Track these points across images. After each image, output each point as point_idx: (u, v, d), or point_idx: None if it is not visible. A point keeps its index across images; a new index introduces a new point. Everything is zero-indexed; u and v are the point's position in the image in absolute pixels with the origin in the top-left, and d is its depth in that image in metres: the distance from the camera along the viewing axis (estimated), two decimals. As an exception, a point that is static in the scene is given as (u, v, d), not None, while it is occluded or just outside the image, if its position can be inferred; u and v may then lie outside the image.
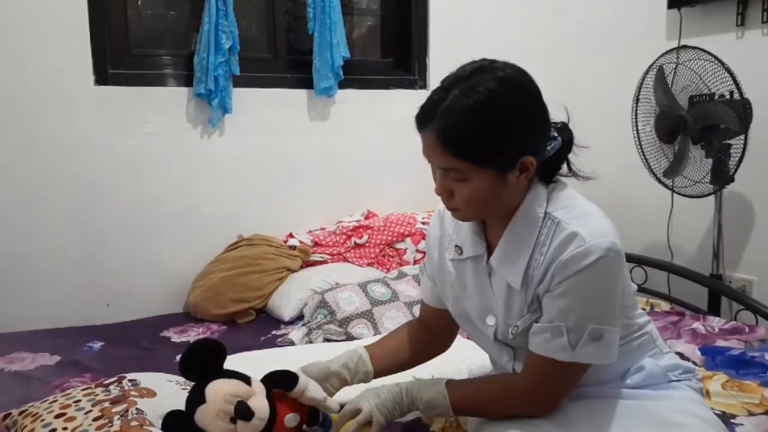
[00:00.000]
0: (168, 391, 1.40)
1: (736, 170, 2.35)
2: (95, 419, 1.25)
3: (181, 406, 1.16)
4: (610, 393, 1.23)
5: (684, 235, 2.92)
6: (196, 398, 1.14)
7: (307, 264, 2.64)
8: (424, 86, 3.03)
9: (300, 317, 2.33)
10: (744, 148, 2.30)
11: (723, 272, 2.60)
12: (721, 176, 2.38)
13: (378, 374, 1.37)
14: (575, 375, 1.17)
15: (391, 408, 1.22)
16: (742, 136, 2.30)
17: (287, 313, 2.36)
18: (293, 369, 1.25)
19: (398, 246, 2.80)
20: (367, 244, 2.76)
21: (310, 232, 2.78)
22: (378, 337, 1.54)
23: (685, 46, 2.45)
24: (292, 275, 2.55)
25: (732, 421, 1.48)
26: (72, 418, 1.26)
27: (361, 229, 2.79)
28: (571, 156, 1.24)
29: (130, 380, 1.43)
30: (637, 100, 2.62)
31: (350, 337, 2.15)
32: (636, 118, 2.63)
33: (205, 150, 2.63)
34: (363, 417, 1.20)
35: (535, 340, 1.16)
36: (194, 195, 2.62)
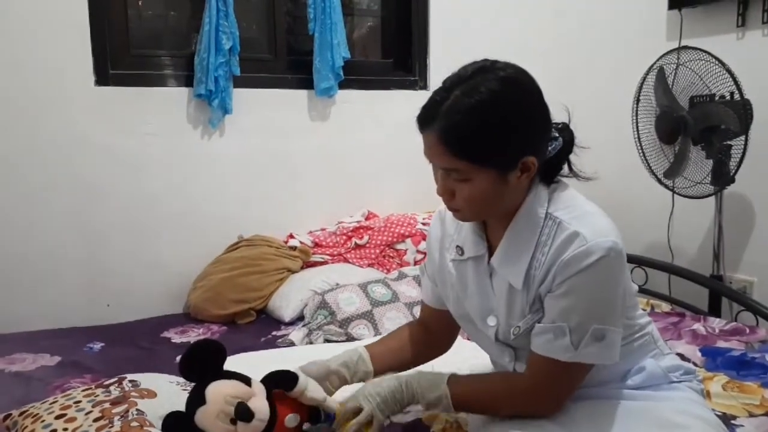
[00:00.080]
0: (168, 391, 1.40)
1: (736, 171, 2.35)
2: (96, 420, 1.25)
3: (182, 407, 1.16)
4: (611, 394, 1.23)
5: (684, 235, 2.92)
6: (196, 399, 1.14)
7: (308, 265, 2.64)
8: (424, 87, 3.03)
9: (300, 318, 2.32)
10: (744, 149, 2.30)
11: (723, 273, 2.60)
12: (722, 177, 2.37)
13: (378, 374, 1.37)
14: (578, 375, 1.17)
15: (392, 405, 1.22)
16: (743, 137, 2.30)
17: (287, 313, 2.36)
18: (292, 369, 1.25)
19: (398, 247, 2.80)
20: (367, 245, 2.76)
21: (311, 232, 2.78)
22: (378, 338, 1.54)
23: (685, 47, 2.45)
24: (292, 276, 2.55)
25: (732, 422, 1.48)
26: (72, 419, 1.26)
27: (361, 230, 2.79)
28: (571, 156, 1.24)
29: (130, 381, 1.42)
30: (637, 100, 2.62)
31: (350, 338, 2.14)
32: (636, 118, 2.63)
33: (205, 150, 2.63)
34: (364, 417, 1.20)
35: (538, 341, 1.15)
36: (195, 195, 2.62)
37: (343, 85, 2.81)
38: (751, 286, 2.72)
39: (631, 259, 2.41)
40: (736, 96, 2.29)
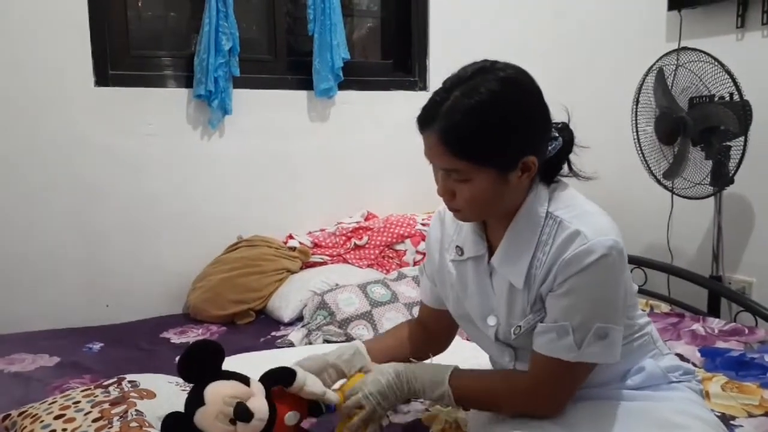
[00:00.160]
0: (168, 392, 1.40)
1: (735, 172, 2.35)
2: (95, 420, 1.25)
3: (181, 408, 1.16)
4: (610, 394, 1.23)
5: (684, 236, 2.92)
6: (195, 400, 1.14)
7: (307, 265, 2.64)
8: (424, 88, 3.03)
9: (300, 318, 2.32)
10: (744, 150, 2.30)
11: (723, 274, 2.60)
12: (721, 178, 2.38)
13: None
14: (580, 376, 1.17)
15: (393, 400, 1.23)
16: (742, 138, 2.30)
17: (287, 314, 2.36)
18: (289, 364, 1.25)
19: (398, 247, 2.80)
20: (366, 246, 2.76)
21: (310, 233, 2.78)
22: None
23: (685, 48, 2.45)
24: (291, 276, 2.55)
25: (732, 422, 1.48)
26: (71, 420, 1.26)
27: (360, 231, 2.79)
28: (571, 156, 1.24)
29: (129, 381, 1.42)
30: (637, 101, 2.62)
31: (350, 339, 2.14)
32: (636, 119, 2.64)
33: (205, 151, 2.63)
34: (366, 415, 1.21)
35: (540, 341, 1.15)
36: (194, 196, 2.62)
37: (342, 86, 2.81)
38: (750, 287, 2.72)
39: (631, 260, 2.39)
40: (736, 97, 2.29)
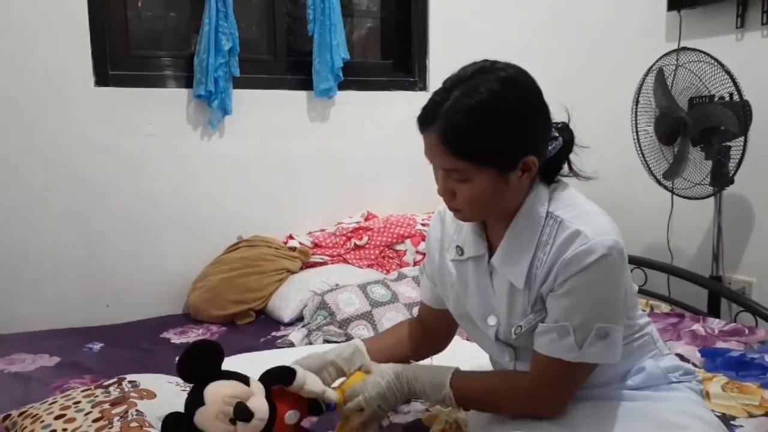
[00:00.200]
0: (168, 392, 1.40)
1: (735, 172, 2.35)
2: (95, 420, 1.25)
3: (181, 408, 1.16)
4: (611, 394, 1.23)
5: (684, 236, 2.92)
6: (195, 400, 1.14)
7: (307, 265, 2.64)
8: (424, 88, 3.03)
9: (300, 318, 2.33)
10: (744, 150, 2.30)
11: (723, 274, 2.60)
12: (721, 178, 2.38)
13: None
14: (581, 376, 1.17)
15: (393, 403, 1.24)
16: (742, 138, 2.30)
17: (287, 314, 2.36)
18: (289, 363, 1.25)
19: (398, 247, 2.80)
20: (366, 246, 2.76)
21: (310, 233, 2.78)
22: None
23: (684, 48, 2.45)
24: (291, 276, 2.55)
25: (732, 422, 1.48)
26: (72, 420, 1.26)
27: (360, 231, 2.79)
28: (571, 156, 1.24)
29: (129, 381, 1.42)
30: (636, 101, 2.62)
31: (350, 339, 2.14)
32: (636, 119, 2.64)
33: (205, 151, 2.63)
34: (366, 418, 1.22)
35: (541, 341, 1.15)
36: (194, 196, 2.62)
37: (342, 86, 2.81)
38: (750, 287, 2.72)
39: (631, 260, 2.38)
40: (736, 97, 2.29)
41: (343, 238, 2.76)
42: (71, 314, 2.40)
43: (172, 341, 2.23)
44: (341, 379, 1.32)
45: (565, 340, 1.12)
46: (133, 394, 1.35)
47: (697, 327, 2.10)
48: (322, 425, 1.40)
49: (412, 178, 2.80)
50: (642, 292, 2.43)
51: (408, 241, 2.80)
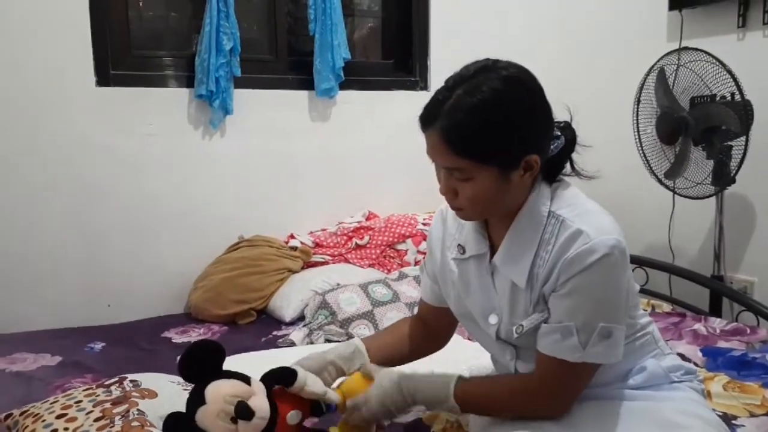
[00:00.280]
0: (169, 392, 1.40)
1: (737, 171, 2.35)
2: (96, 420, 1.25)
3: (183, 407, 1.16)
4: (612, 394, 1.23)
5: (685, 236, 2.92)
6: (196, 399, 1.14)
7: (308, 265, 2.64)
8: (425, 87, 3.03)
9: (301, 318, 2.33)
10: (745, 150, 2.30)
11: (724, 273, 2.60)
12: (723, 177, 2.38)
13: None
14: (585, 376, 1.17)
15: (395, 414, 1.24)
16: (744, 138, 2.30)
17: (288, 314, 2.36)
18: (289, 364, 1.25)
19: (399, 247, 2.80)
20: (368, 245, 2.76)
21: (311, 233, 2.79)
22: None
23: (686, 48, 2.45)
24: (293, 276, 2.55)
25: (733, 422, 1.48)
26: (73, 419, 1.26)
27: (362, 230, 2.79)
28: (573, 156, 1.24)
29: (131, 381, 1.42)
30: (638, 101, 2.62)
31: (351, 338, 2.14)
32: (637, 119, 2.63)
33: (206, 151, 2.63)
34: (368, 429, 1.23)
35: (545, 342, 1.15)
36: (195, 196, 2.62)
37: (343, 86, 2.81)
38: (751, 287, 2.72)
39: (632, 260, 2.38)
40: (737, 97, 2.29)
41: (345, 237, 2.76)
42: (72, 314, 2.40)
43: (174, 341, 2.23)
44: (341, 379, 1.32)
45: (569, 341, 1.12)
46: (134, 394, 1.35)
47: (699, 326, 2.10)
48: (323, 425, 1.40)
49: (413, 178, 2.81)
50: (643, 291, 2.43)
51: (409, 240, 2.80)
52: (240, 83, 2.62)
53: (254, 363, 1.61)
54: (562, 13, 3.23)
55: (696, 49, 2.39)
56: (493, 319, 1.24)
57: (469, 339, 1.72)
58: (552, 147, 1.18)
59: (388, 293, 2.32)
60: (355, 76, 2.87)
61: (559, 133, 1.20)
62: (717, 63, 2.31)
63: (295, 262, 2.59)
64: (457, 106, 1.09)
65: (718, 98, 2.36)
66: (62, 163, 2.40)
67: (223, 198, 2.67)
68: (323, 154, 2.84)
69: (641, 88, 2.61)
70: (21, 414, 1.35)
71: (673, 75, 2.48)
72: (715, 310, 2.45)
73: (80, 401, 1.33)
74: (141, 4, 2.69)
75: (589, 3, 3.21)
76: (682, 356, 1.79)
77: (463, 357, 1.73)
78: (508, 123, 1.09)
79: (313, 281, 2.43)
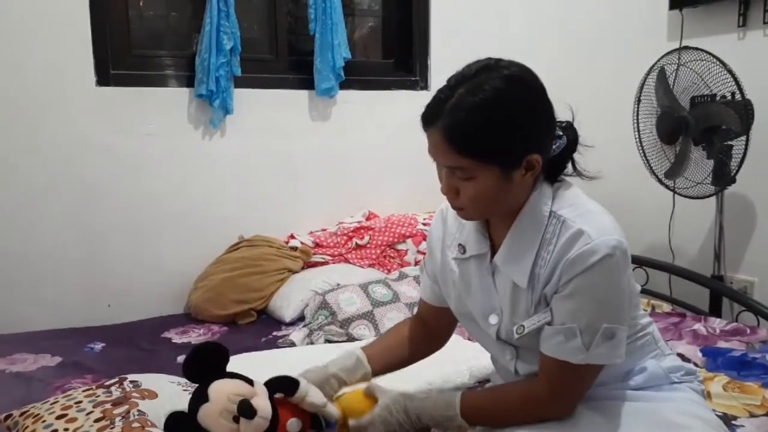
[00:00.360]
0: (170, 392, 1.40)
1: (737, 171, 2.35)
2: (96, 420, 1.25)
3: (183, 408, 1.16)
4: (613, 395, 1.23)
5: (685, 236, 2.92)
6: (200, 397, 1.14)
7: (308, 265, 2.64)
8: (425, 87, 3.03)
9: (301, 318, 2.33)
10: (745, 149, 2.30)
11: (724, 273, 2.60)
12: (723, 177, 2.37)
13: (376, 373, 1.37)
14: (590, 377, 1.17)
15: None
16: (744, 137, 2.30)
17: (288, 314, 2.36)
18: (292, 374, 1.25)
19: (399, 247, 2.80)
20: (368, 245, 2.76)
21: (311, 233, 2.78)
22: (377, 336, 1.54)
23: (686, 47, 2.45)
24: (293, 276, 2.55)
25: (733, 422, 1.48)
26: (73, 419, 1.26)
27: (362, 230, 2.79)
28: (575, 156, 1.24)
29: (131, 381, 1.42)
30: (638, 100, 2.62)
31: (351, 338, 2.14)
32: (637, 118, 2.63)
33: (206, 151, 2.63)
34: None
35: (548, 344, 1.15)
36: (195, 195, 2.62)
37: (344, 86, 2.81)
38: (751, 287, 2.72)
39: (632, 260, 2.38)
40: (737, 96, 2.29)
41: (345, 237, 2.76)
42: (72, 314, 2.40)
43: (174, 341, 2.23)
44: (341, 391, 1.32)
45: (573, 342, 1.12)
46: (134, 394, 1.35)
47: (699, 327, 2.10)
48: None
49: (413, 178, 2.81)
50: (643, 291, 2.42)
51: (409, 240, 2.80)
52: (240, 83, 2.61)
53: (255, 363, 1.62)
54: (563, 12, 3.23)
55: (696, 49, 2.39)
56: (493, 319, 1.24)
57: (469, 339, 1.72)
58: (554, 147, 1.18)
59: (388, 293, 2.32)
60: (356, 76, 2.87)
61: (560, 133, 1.20)
62: (717, 62, 2.31)
63: (295, 262, 2.59)
64: (459, 105, 1.09)
65: (718, 98, 2.35)
66: (62, 163, 2.40)
67: (223, 198, 2.67)
68: (323, 153, 2.84)
69: (641, 88, 2.60)
70: (21, 414, 1.35)
71: (674, 74, 2.47)
72: (715, 310, 2.45)
73: (80, 402, 1.33)
74: (141, 4, 2.69)
75: (589, 2, 3.21)
76: (682, 356, 1.80)
77: (463, 357, 1.73)
78: (510, 122, 1.09)
79: (313, 281, 2.43)
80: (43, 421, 1.27)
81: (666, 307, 2.40)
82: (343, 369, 1.33)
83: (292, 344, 2.11)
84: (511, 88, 1.10)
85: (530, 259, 1.16)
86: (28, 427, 1.29)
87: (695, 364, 1.77)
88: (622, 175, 2.88)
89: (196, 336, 2.29)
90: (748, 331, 2.05)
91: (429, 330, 1.45)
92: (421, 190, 2.62)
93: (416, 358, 1.44)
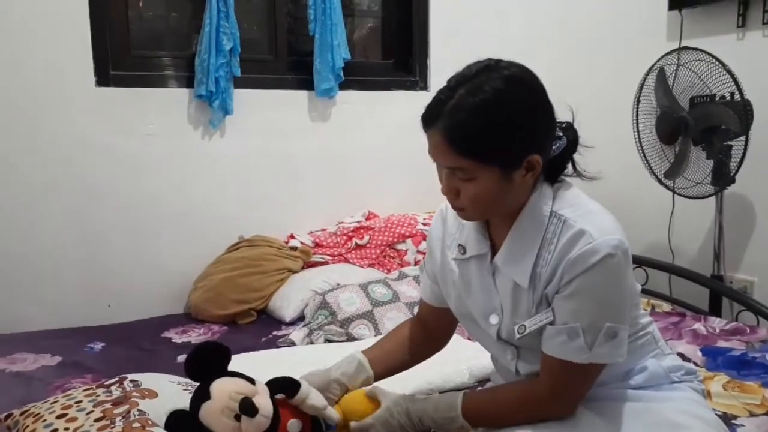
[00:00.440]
0: (170, 391, 1.40)
1: (737, 171, 2.35)
2: (97, 420, 1.25)
3: (183, 407, 1.17)
4: (613, 394, 1.23)
5: (685, 236, 2.92)
6: (201, 395, 1.15)
7: (308, 265, 2.64)
8: (425, 87, 3.03)
9: (301, 318, 2.33)
10: (745, 149, 2.30)
11: (724, 273, 2.60)
12: (722, 177, 2.38)
13: (378, 377, 1.38)
14: (592, 376, 1.17)
15: None
16: (743, 137, 2.30)
17: (288, 313, 2.36)
18: (293, 374, 1.25)
19: (399, 247, 2.80)
20: (367, 245, 2.76)
21: (311, 233, 2.78)
22: (379, 338, 1.54)
23: (686, 48, 2.45)
24: (293, 276, 2.55)
25: (733, 422, 1.48)
26: (73, 419, 1.26)
27: (361, 230, 2.79)
28: (575, 156, 1.24)
29: (131, 381, 1.42)
30: (637, 101, 2.62)
31: (351, 338, 2.14)
32: (637, 119, 2.64)
33: (205, 151, 2.63)
34: None
35: (551, 344, 1.15)
36: (195, 196, 2.62)
37: (343, 86, 2.81)
38: (751, 286, 2.72)
39: (632, 260, 2.40)
40: (737, 96, 2.29)
41: (344, 237, 2.76)
42: (72, 314, 2.40)
43: (174, 341, 2.23)
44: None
45: (575, 342, 1.12)
46: (134, 394, 1.35)
47: (699, 326, 2.10)
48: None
49: (413, 178, 2.81)
50: (643, 291, 2.41)
51: (409, 240, 2.80)
52: (240, 83, 2.62)
53: (254, 363, 1.62)
54: (562, 13, 3.23)
55: (696, 49, 2.39)
56: (493, 319, 1.24)
57: (469, 339, 1.73)
58: (554, 147, 1.18)
59: (388, 293, 2.32)
60: (355, 76, 2.87)
61: (561, 134, 1.20)
62: (717, 63, 2.31)
63: (295, 262, 2.59)
64: (459, 106, 1.09)
65: (717, 98, 2.36)
66: (62, 163, 2.40)
67: (223, 198, 2.67)
68: (323, 154, 2.84)
69: (641, 88, 2.61)
70: (21, 414, 1.35)
71: (673, 75, 2.48)
72: (715, 310, 2.45)
73: (80, 401, 1.33)
74: (141, 4, 2.69)
75: (589, 2, 3.21)
76: (682, 356, 1.80)
77: (463, 357, 1.73)
78: (510, 123, 1.09)
79: (313, 281, 2.43)
80: (44, 421, 1.27)
81: (666, 306, 2.40)
82: (345, 374, 1.33)
83: (292, 344, 2.11)
84: (511, 88, 1.10)
85: (531, 259, 1.16)
86: (28, 426, 1.28)
87: (695, 364, 1.77)
88: (622, 176, 2.88)
89: (196, 336, 2.29)
90: (748, 330, 2.06)
91: (429, 331, 1.45)
92: (421, 190, 2.62)
93: (417, 361, 1.45)
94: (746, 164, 2.32)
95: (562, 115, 1.22)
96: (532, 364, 1.22)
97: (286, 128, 2.76)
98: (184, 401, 1.19)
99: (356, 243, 2.75)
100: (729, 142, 2.34)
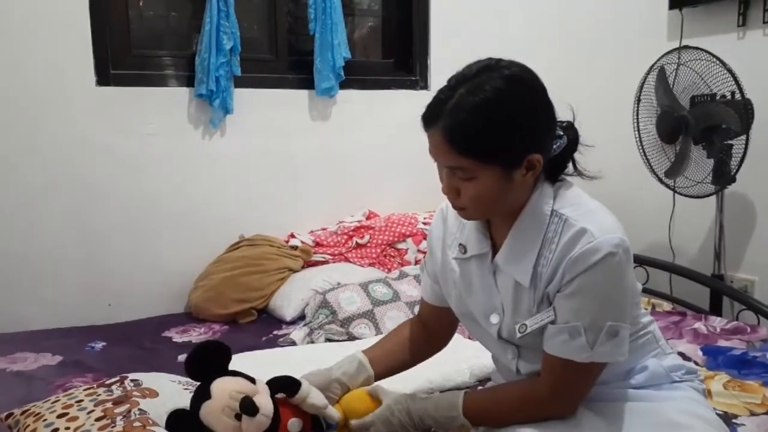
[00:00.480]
0: (170, 391, 1.40)
1: (737, 170, 2.35)
2: (98, 419, 1.25)
3: (184, 406, 1.17)
4: (614, 394, 1.23)
5: (686, 235, 2.92)
6: (202, 394, 1.15)
7: (309, 264, 2.64)
8: (425, 87, 3.03)
9: (301, 317, 2.33)
10: (745, 149, 2.30)
11: (725, 272, 2.60)
12: (723, 176, 2.38)
13: (379, 376, 1.38)
14: (593, 375, 1.17)
15: None
16: (744, 137, 2.30)
17: (289, 313, 2.36)
18: (294, 373, 1.25)
19: (399, 246, 2.80)
20: (368, 245, 2.76)
21: (312, 232, 2.79)
22: (379, 338, 1.54)
23: (686, 47, 2.45)
24: (293, 275, 2.55)
25: (734, 421, 1.48)
26: (74, 418, 1.26)
27: (362, 230, 2.79)
28: (575, 155, 1.24)
29: (132, 380, 1.42)
30: (638, 100, 2.62)
31: (352, 337, 2.14)
32: (637, 118, 2.64)
33: (206, 150, 2.63)
34: None
35: (552, 343, 1.15)
36: (195, 195, 2.62)
37: (343, 85, 2.81)
38: (752, 285, 2.72)
39: (633, 259, 2.41)
40: (737, 95, 2.29)
41: (345, 236, 2.76)
42: (72, 314, 2.40)
43: (174, 340, 2.24)
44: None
45: (577, 341, 1.11)
46: (135, 393, 1.35)
47: (699, 325, 2.10)
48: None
49: (413, 177, 2.81)
50: (644, 290, 2.42)
51: (409, 239, 2.80)
52: (240, 83, 2.61)
53: (255, 362, 1.62)
54: (563, 12, 3.23)
55: (696, 48, 2.39)
56: (494, 319, 1.24)
57: (469, 338, 1.73)
58: (554, 146, 1.18)
59: (389, 292, 2.32)
60: (356, 76, 2.87)
61: (561, 133, 1.20)
62: (717, 62, 2.31)
63: (296, 262, 2.59)
64: (459, 106, 1.09)
65: (718, 97, 2.36)
66: (62, 163, 2.40)
67: (223, 198, 2.67)
68: (323, 153, 2.84)
69: (641, 87, 2.61)
70: (22, 413, 1.35)
71: (674, 74, 2.48)
72: (716, 309, 2.45)
73: (81, 401, 1.33)
74: (141, 4, 2.69)
75: (589, 2, 3.21)
76: (683, 355, 1.80)
77: (463, 356, 1.73)
78: (510, 122, 1.09)
79: (313, 280, 2.43)
80: (44, 420, 1.27)
81: (666, 306, 2.40)
82: (345, 373, 1.33)
83: (293, 343, 2.11)
84: (511, 88, 1.10)
85: (532, 258, 1.16)
86: (29, 425, 1.28)
87: (696, 363, 1.77)
88: (623, 175, 2.88)
89: (196, 335, 2.29)
90: (749, 329, 2.06)
91: (430, 331, 1.45)
92: (421, 190, 2.62)
93: (418, 360, 1.44)
94: (747, 163, 2.32)
95: (562, 114, 1.22)
96: (533, 363, 1.22)
97: (286, 127, 2.76)
98: (184, 400, 1.19)
99: (357, 242, 2.76)
100: (729, 141, 2.34)
